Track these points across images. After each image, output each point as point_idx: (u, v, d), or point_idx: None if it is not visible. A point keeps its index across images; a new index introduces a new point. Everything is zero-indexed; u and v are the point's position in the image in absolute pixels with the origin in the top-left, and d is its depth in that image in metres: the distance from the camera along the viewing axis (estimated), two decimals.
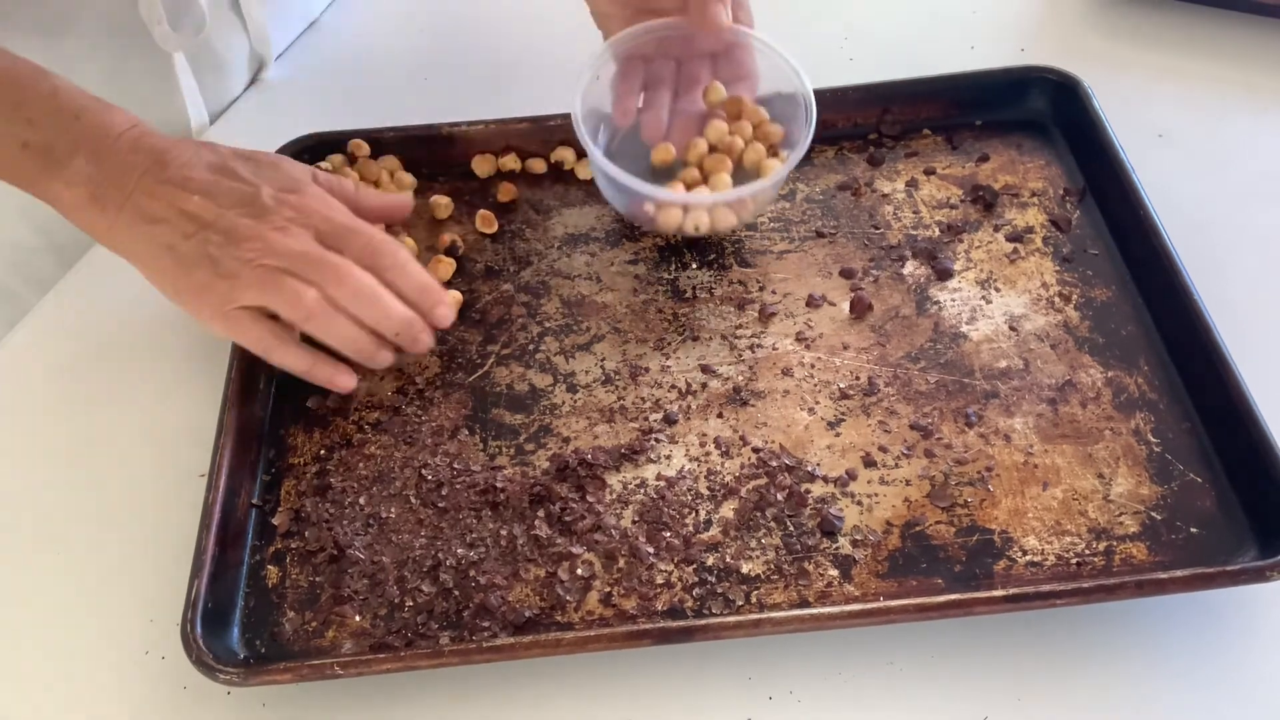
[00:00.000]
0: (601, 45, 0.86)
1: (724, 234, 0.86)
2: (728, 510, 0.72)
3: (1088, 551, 0.69)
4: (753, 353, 0.80)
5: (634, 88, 0.87)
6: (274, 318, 0.75)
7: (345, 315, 0.74)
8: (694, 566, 0.70)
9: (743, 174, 0.84)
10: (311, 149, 0.92)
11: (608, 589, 0.69)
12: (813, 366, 0.79)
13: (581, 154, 0.91)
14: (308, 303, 0.73)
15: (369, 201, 0.81)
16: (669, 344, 0.81)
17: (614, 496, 0.73)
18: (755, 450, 0.75)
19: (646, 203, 0.82)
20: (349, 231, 0.75)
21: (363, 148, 0.91)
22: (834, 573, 0.69)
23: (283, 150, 0.91)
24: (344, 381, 0.78)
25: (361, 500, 0.74)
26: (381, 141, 0.92)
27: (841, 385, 0.78)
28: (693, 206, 0.82)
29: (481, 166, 0.91)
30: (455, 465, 0.75)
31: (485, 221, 0.89)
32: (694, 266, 0.85)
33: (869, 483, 0.73)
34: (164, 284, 0.75)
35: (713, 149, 0.85)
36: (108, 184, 0.73)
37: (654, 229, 0.85)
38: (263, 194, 0.74)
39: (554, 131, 0.91)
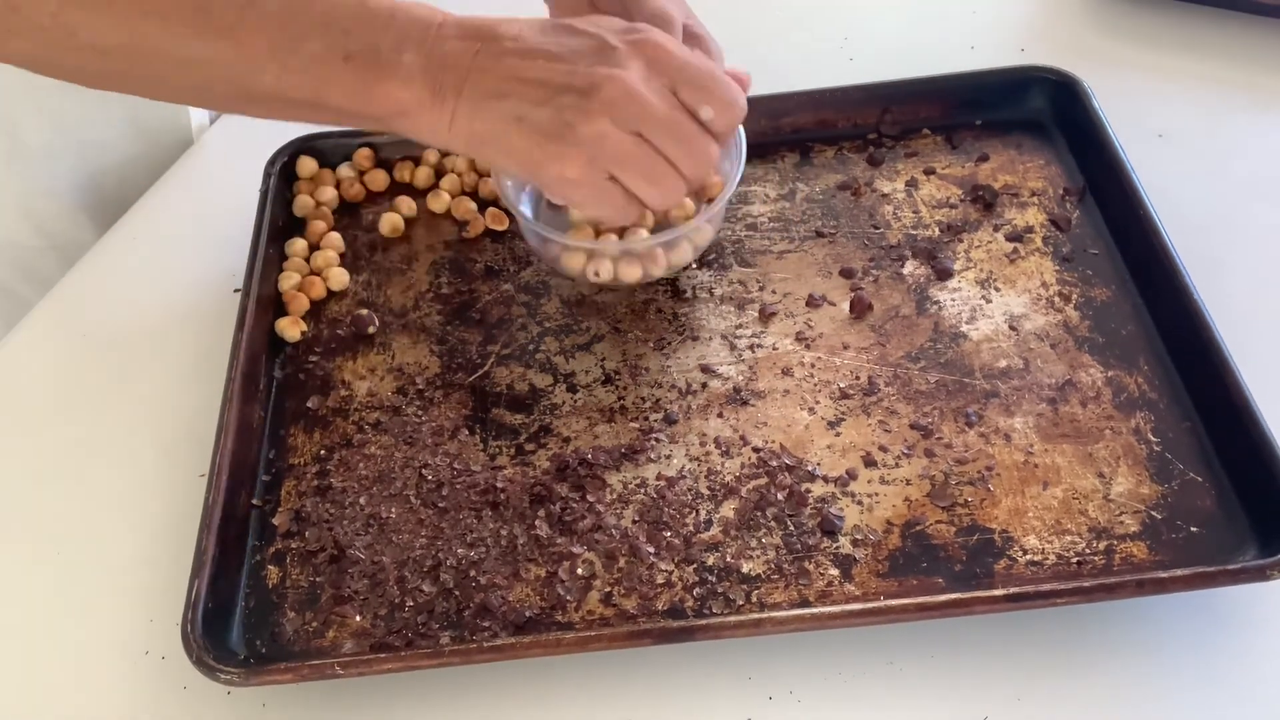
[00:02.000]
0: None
1: (631, 286, 0.83)
2: (728, 510, 0.72)
3: (1088, 551, 0.69)
4: (753, 352, 0.80)
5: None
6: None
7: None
8: (694, 566, 0.70)
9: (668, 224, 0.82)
10: (312, 149, 0.92)
11: (608, 589, 0.69)
12: (813, 366, 0.79)
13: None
14: (677, 191, 0.71)
15: (696, 29, 0.78)
16: (669, 344, 0.81)
17: (614, 496, 0.73)
18: (755, 450, 0.75)
19: (552, 244, 0.81)
20: (710, 80, 0.71)
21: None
22: (834, 572, 0.69)
23: (282, 150, 0.91)
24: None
25: (362, 500, 0.74)
26: (381, 142, 0.93)
27: (842, 385, 0.78)
28: (595, 254, 0.80)
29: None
30: (455, 465, 0.75)
31: (496, 219, 0.89)
32: (694, 266, 0.85)
33: (869, 482, 0.73)
34: (518, 160, 0.71)
35: None
36: (443, 72, 0.68)
37: (559, 270, 0.83)
38: (609, 39, 0.69)
39: None
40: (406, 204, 0.90)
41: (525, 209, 0.82)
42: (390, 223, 0.89)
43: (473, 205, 0.90)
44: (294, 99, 0.69)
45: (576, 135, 0.68)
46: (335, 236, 0.88)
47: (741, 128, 0.79)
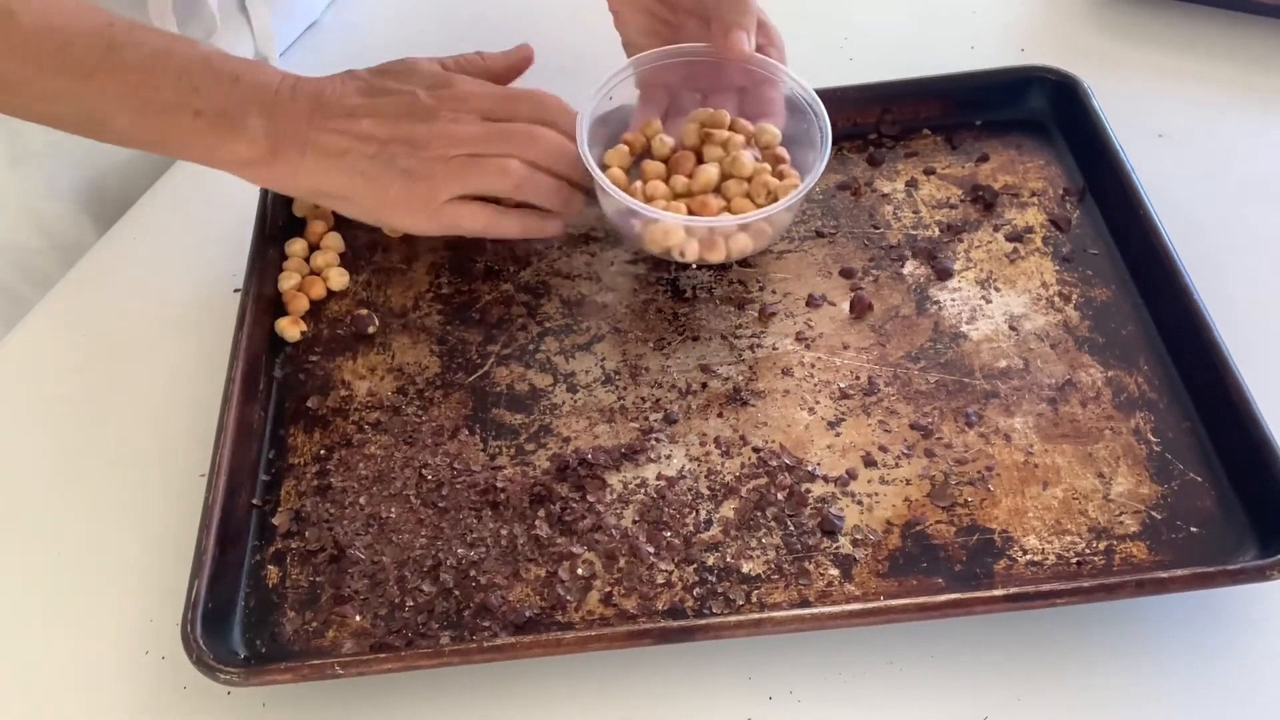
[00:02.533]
0: (624, 62, 0.86)
1: (709, 264, 0.84)
2: (728, 510, 0.72)
3: (1088, 551, 0.69)
4: (753, 352, 0.80)
5: (654, 115, 0.86)
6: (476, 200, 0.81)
7: (546, 172, 0.80)
8: (694, 566, 0.70)
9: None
10: None
11: (608, 588, 0.69)
12: (813, 366, 0.79)
13: None
14: (514, 172, 0.79)
15: (499, 64, 0.87)
16: (669, 344, 0.81)
17: (614, 496, 0.73)
18: (755, 450, 0.75)
19: (634, 218, 0.81)
20: (509, 99, 0.81)
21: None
22: (834, 572, 0.69)
23: None
24: (555, 226, 0.84)
25: (362, 500, 0.74)
26: None
27: (841, 385, 0.78)
28: (689, 230, 0.80)
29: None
30: (455, 465, 0.76)
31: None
32: (694, 266, 0.85)
33: (869, 482, 0.73)
34: (366, 208, 0.80)
35: (723, 179, 0.83)
36: (284, 134, 0.77)
37: (638, 247, 0.84)
38: (420, 97, 0.79)
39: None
40: None
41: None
42: None
43: None
44: (144, 140, 0.79)
45: (412, 179, 0.78)
46: (335, 236, 0.88)
47: (824, 109, 0.82)
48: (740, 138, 0.83)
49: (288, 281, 0.85)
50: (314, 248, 0.88)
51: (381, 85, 0.80)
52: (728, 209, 0.81)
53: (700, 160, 0.83)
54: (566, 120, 0.81)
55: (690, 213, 0.80)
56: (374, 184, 0.78)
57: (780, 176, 0.82)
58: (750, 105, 0.86)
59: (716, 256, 0.81)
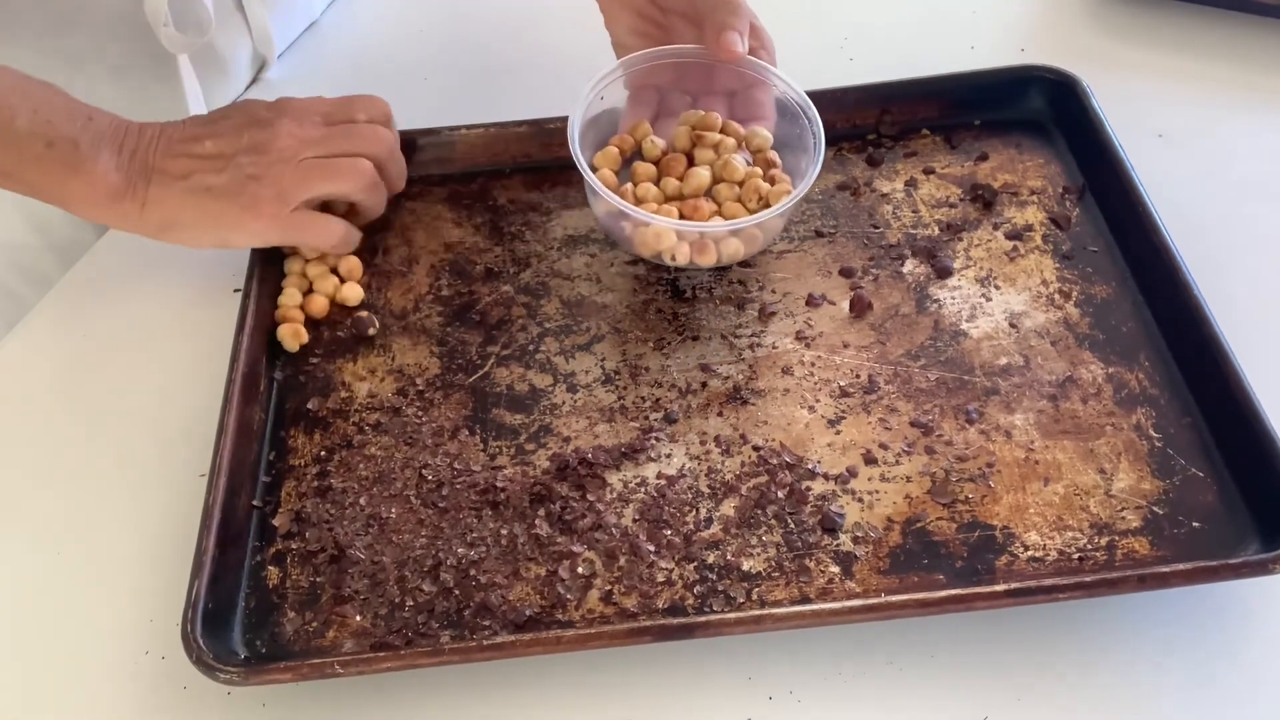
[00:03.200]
0: (614, 63, 0.86)
1: (701, 268, 0.83)
2: (728, 508, 0.72)
3: (1089, 546, 0.69)
4: (753, 351, 0.80)
5: (644, 117, 0.87)
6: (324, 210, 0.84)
7: (387, 169, 0.85)
8: (695, 564, 0.70)
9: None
10: None
11: (608, 587, 0.69)
12: (813, 365, 0.79)
13: None
14: (367, 171, 0.82)
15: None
16: (669, 343, 0.81)
17: (614, 495, 0.73)
18: (756, 448, 0.75)
19: (624, 221, 0.80)
20: (344, 104, 0.85)
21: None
22: (835, 569, 0.69)
23: None
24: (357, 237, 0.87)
25: (362, 501, 0.74)
26: None
27: (842, 383, 0.78)
28: (681, 235, 0.80)
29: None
30: (456, 465, 0.75)
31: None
32: (694, 266, 0.85)
33: (870, 480, 0.73)
34: (218, 224, 0.80)
35: (715, 183, 0.83)
36: (132, 166, 0.79)
37: (629, 250, 0.83)
38: (259, 112, 0.82)
39: (553, 134, 0.91)
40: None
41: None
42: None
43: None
44: (1, 170, 0.78)
45: (260, 183, 0.79)
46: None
47: (817, 114, 0.82)
48: (731, 141, 0.83)
49: (290, 299, 0.84)
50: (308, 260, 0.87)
51: (220, 115, 0.83)
52: (719, 213, 0.81)
53: (691, 163, 0.83)
54: (391, 124, 0.87)
55: (681, 216, 0.80)
56: (222, 198, 0.79)
57: (771, 181, 0.82)
58: (741, 108, 0.86)
59: (708, 260, 0.80)
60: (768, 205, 0.80)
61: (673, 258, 0.81)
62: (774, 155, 0.84)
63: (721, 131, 0.84)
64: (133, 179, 0.79)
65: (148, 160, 0.79)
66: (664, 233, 0.79)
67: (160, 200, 0.79)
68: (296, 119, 0.82)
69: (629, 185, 0.82)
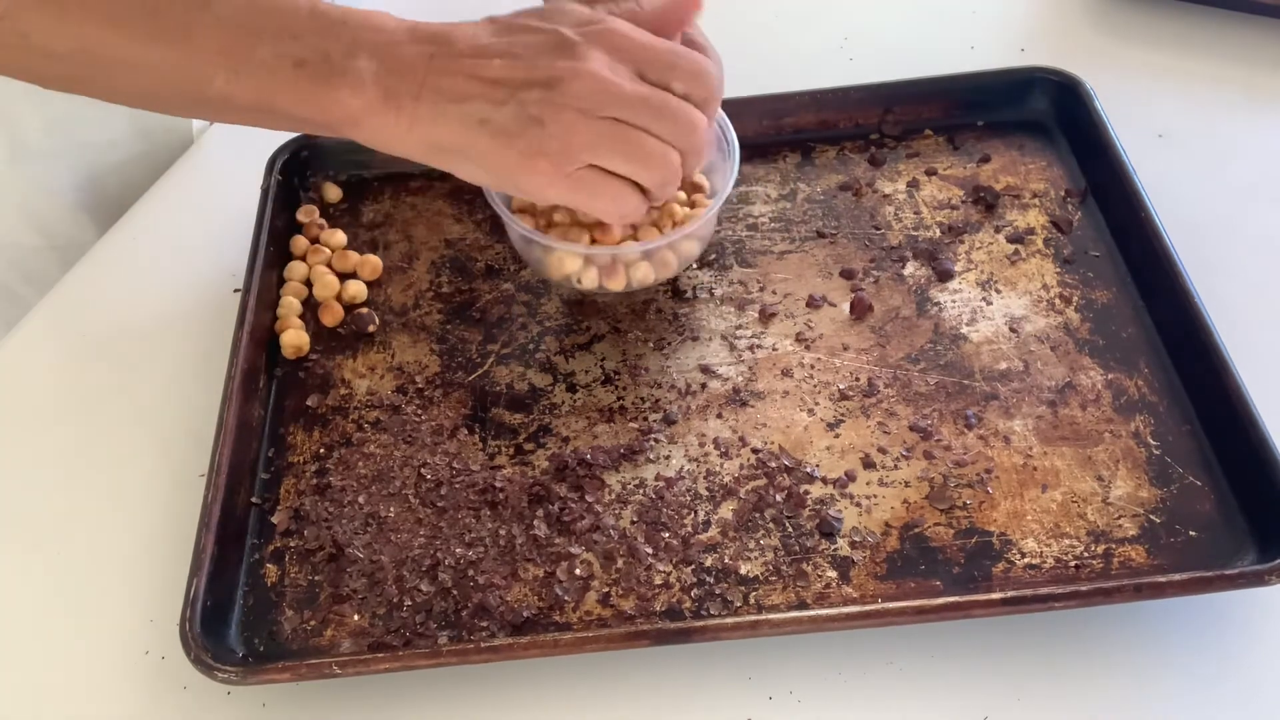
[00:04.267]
0: None
1: (610, 293, 0.82)
2: (726, 511, 0.72)
3: (1086, 554, 0.69)
4: (752, 353, 0.80)
5: None
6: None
7: (687, 160, 0.71)
8: (692, 567, 0.70)
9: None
10: (312, 148, 0.92)
11: (606, 589, 0.69)
12: (812, 367, 0.79)
13: None
14: (674, 165, 0.69)
15: (655, 6, 0.74)
16: (669, 344, 0.81)
17: (613, 496, 0.73)
18: (754, 451, 0.75)
19: (531, 245, 0.79)
20: (671, 57, 0.69)
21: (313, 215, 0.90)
22: (832, 574, 0.69)
23: (282, 148, 0.91)
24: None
25: (361, 499, 0.74)
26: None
27: (841, 386, 0.78)
28: (587, 259, 0.78)
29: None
30: (454, 465, 0.76)
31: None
32: (694, 267, 0.85)
33: (868, 484, 0.73)
34: (488, 166, 0.69)
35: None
36: (397, 77, 0.67)
37: (541, 274, 0.82)
38: (567, 33, 0.68)
39: None
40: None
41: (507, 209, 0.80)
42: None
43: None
44: (244, 104, 0.69)
45: (545, 130, 0.67)
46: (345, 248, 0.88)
47: (736, 139, 0.79)
48: None
49: (290, 309, 0.84)
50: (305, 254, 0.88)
51: (522, 23, 0.69)
52: (633, 236, 0.78)
53: None
54: (713, 101, 0.71)
55: (592, 240, 0.77)
56: (499, 136, 0.67)
57: (693, 205, 0.80)
58: None
59: (617, 285, 0.79)
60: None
61: (579, 281, 0.79)
62: (701, 179, 0.81)
63: None
64: (396, 93, 0.67)
65: (417, 74, 0.67)
66: (568, 257, 0.78)
67: (431, 121, 0.67)
68: (609, 55, 0.67)
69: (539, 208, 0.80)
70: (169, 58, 0.67)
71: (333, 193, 0.92)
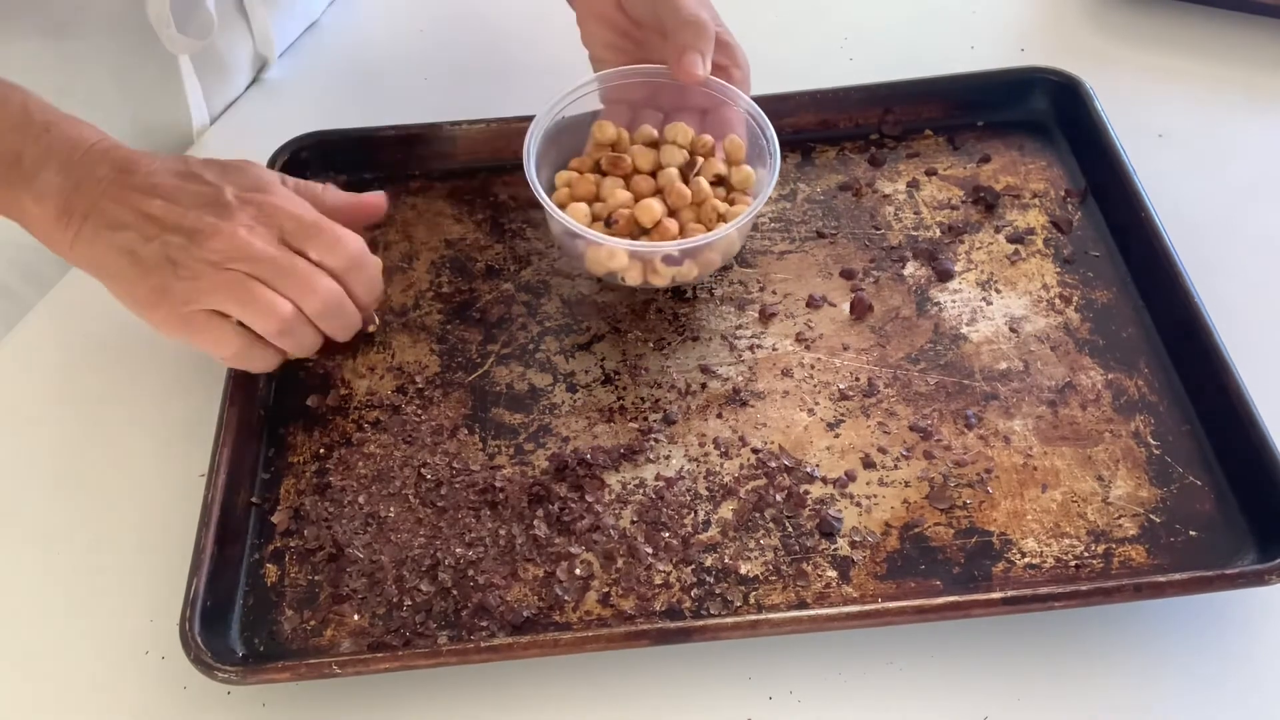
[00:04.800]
0: (583, 79, 0.84)
1: (654, 288, 0.83)
2: (726, 511, 0.72)
3: (1086, 554, 0.69)
4: (752, 353, 0.80)
5: (613, 128, 0.84)
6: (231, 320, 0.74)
7: (310, 325, 0.75)
8: (692, 567, 0.70)
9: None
10: (312, 147, 0.92)
11: (606, 589, 0.69)
12: (812, 367, 0.79)
13: None
14: (283, 315, 0.73)
15: (335, 200, 0.80)
16: (669, 344, 0.81)
17: (613, 496, 0.73)
18: (754, 451, 0.75)
19: (576, 239, 0.79)
20: (313, 228, 0.74)
21: None
22: (832, 574, 0.69)
23: (283, 149, 0.91)
24: (275, 361, 0.77)
25: (360, 499, 0.74)
26: (381, 140, 0.92)
27: (841, 386, 0.78)
28: (632, 255, 0.79)
29: None
30: (454, 464, 0.76)
31: None
32: (734, 252, 0.85)
33: (868, 484, 0.73)
34: (122, 291, 0.74)
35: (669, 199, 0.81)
36: (75, 194, 0.72)
37: (582, 267, 0.82)
38: (226, 193, 0.74)
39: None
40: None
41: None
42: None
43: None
44: None
45: (175, 272, 0.71)
46: None
47: (777, 142, 0.80)
48: (674, 171, 0.81)
49: None
50: None
51: (198, 174, 0.75)
52: (678, 233, 0.79)
53: (655, 173, 0.82)
54: (355, 274, 0.76)
55: (644, 232, 0.79)
56: (136, 267, 0.72)
57: (733, 202, 0.81)
58: (712, 126, 0.84)
59: (660, 281, 0.80)
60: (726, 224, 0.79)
61: (623, 278, 0.80)
62: (747, 170, 0.82)
63: (693, 145, 0.82)
64: (71, 208, 0.72)
65: (93, 191, 0.73)
66: (616, 253, 0.78)
67: (89, 242, 0.73)
68: (252, 222, 0.73)
69: (581, 205, 0.80)
70: None
71: None
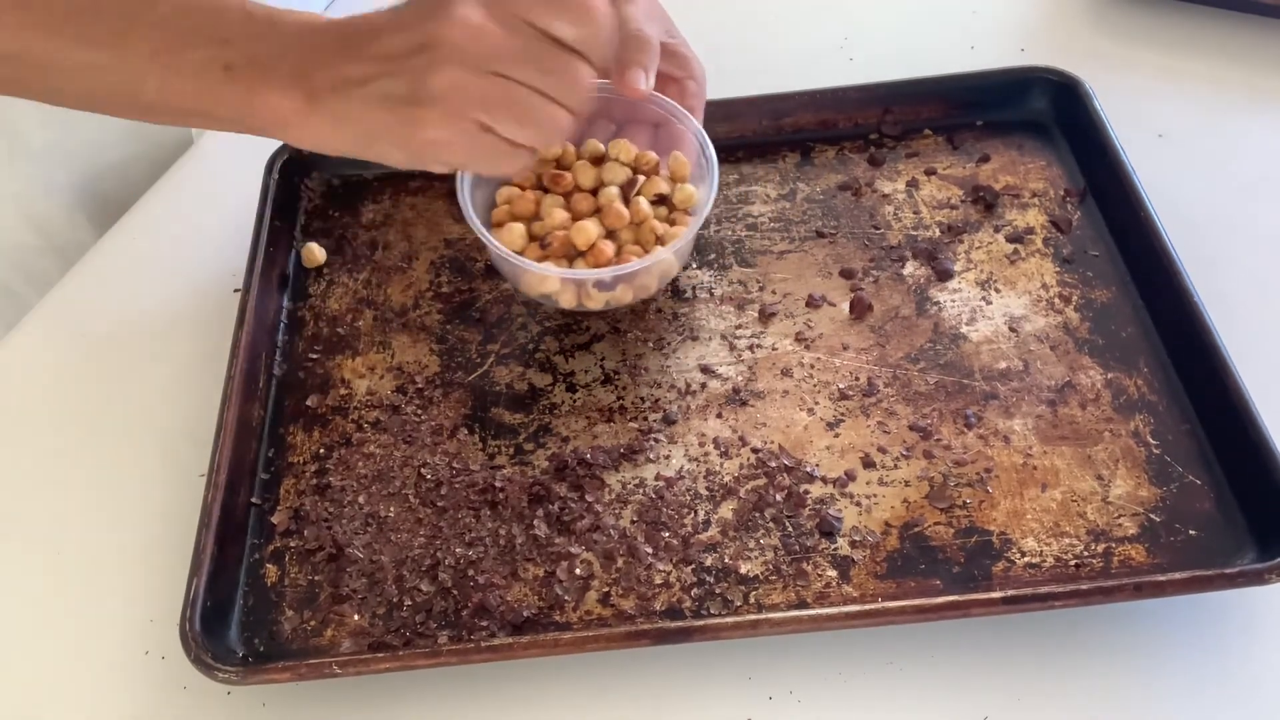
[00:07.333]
0: None
1: (590, 311, 0.81)
2: (726, 510, 0.72)
3: (1086, 553, 0.69)
4: (752, 353, 0.80)
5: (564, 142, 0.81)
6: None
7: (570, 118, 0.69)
8: (692, 567, 0.70)
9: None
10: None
11: (606, 589, 0.69)
12: (812, 367, 0.79)
13: None
14: (562, 129, 0.68)
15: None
16: (669, 344, 0.81)
17: (613, 496, 0.73)
18: (754, 450, 0.75)
19: (512, 267, 0.78)
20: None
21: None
22: (832, 573, 0.69)
23: (283, 148, 0.91)
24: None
25: (360, 499, 0.74)
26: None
27: (841, 386, 0.78)
28: (564, 282, 0.78)
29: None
30: (454, 464, 0.76)
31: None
32: (694, 266, 0.85)
33: (868, 484, 0.73)
34: (395, 142, 0.68)
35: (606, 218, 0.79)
36: (319, 74, 0.67)
37: (519, 289, 0.81)
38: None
39: None
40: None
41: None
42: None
43: None
44: (180, 108, 0.69)
45: (430, 92, 0.65)
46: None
47: (715, 157, 0.79)
48: (614, 190, 0.79)
49: None
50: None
51: None
52: (617, 257, 0.78)
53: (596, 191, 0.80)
54: (601, 50, 0.69)
55: (581, 254, 0.78)
56: (397, 108, 0.66)
57: (673, 223, 0.80)
58: (664, 140, 0.83)
59: (594, 305, 0.79)
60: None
61: (557, 300, 0.79)
62: (690, 189, 0.80)
63: (637, 162, 0.81)
64: (319, 92, 0.67)
65: (334, 65, 0.67)
66: (547, 278, 0.77)
67: (344, 114, 0.67)
68: (485, 6, 0.65)
69: (519, 225, 0.79)
70: (104, 62, 0.67)
71: (315, 256, 0.89)
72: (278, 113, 0.68)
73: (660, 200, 0.80)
